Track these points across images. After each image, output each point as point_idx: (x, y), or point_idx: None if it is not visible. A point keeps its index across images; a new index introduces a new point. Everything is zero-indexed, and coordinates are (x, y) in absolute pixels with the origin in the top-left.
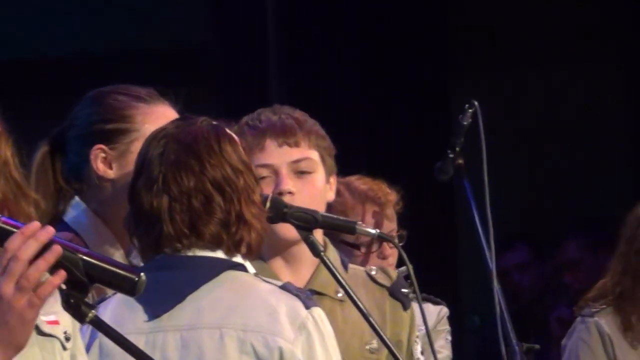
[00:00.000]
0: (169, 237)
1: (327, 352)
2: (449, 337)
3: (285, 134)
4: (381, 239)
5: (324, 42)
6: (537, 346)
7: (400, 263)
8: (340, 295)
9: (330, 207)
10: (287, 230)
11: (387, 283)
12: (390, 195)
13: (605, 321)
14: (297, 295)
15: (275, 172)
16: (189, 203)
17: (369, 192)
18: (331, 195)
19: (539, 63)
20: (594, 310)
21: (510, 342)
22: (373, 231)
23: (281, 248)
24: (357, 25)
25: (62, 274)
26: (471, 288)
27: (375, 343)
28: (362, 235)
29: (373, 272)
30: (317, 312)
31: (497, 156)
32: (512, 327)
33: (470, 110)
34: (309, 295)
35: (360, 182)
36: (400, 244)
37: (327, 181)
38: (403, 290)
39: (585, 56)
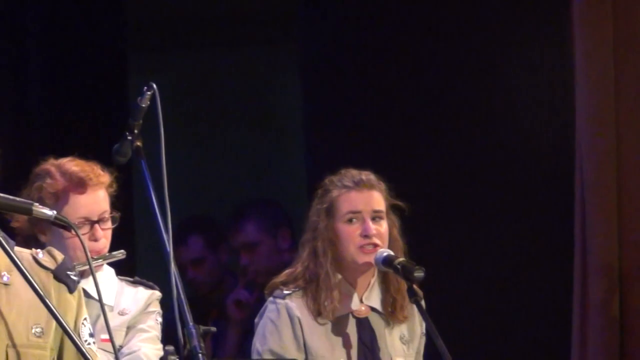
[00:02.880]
0: None
1: None
2: (160, 319)
3: None
4: (58, 220)
5: None
6: (213, 329)
7: (113, 247)
8: (5, 279)
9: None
10: None
11: (51, 266)
12: (103, 177)
13: (296, 304)
14: None
15: None
16: None
17: (80, 173)
18: None
19: (218, 45)
20: (286, 292)
21: (187, 324)
22: (50, 212)
23: None
24: (44, 10)
25: None
26: (150, 271)
27: (40, 327)
28: (40, 217)
29: (40, 255)
30: None
31: (176, 138)
32: (189, 309)
33: (148, 93)
34: None
35: (72, 164)
36: (114, 226)
37: None
38: (69, 272)
39: (261, 38)
